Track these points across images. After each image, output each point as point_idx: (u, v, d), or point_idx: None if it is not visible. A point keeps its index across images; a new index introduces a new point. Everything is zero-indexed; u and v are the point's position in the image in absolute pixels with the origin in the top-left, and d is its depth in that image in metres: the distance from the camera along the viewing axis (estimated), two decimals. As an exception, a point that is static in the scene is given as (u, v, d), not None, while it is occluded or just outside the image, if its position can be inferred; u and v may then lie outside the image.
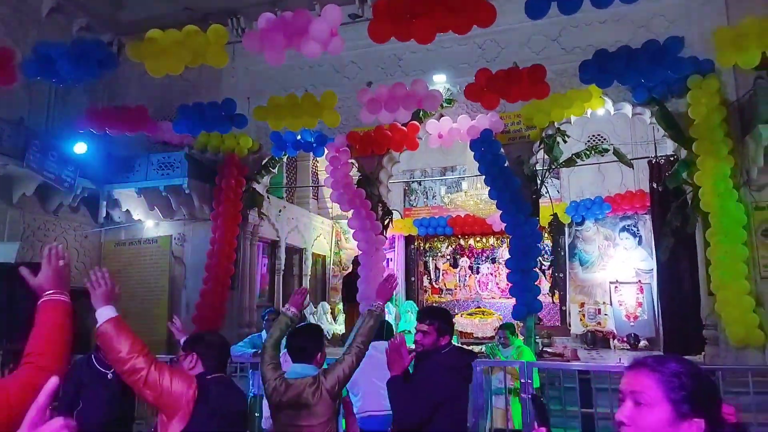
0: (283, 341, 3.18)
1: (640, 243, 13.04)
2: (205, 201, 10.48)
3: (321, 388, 2.77)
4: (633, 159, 10.34)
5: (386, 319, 6.56)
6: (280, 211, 12.43)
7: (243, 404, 2.58)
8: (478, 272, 15.23)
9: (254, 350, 6.11)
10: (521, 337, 8.16)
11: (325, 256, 15.47)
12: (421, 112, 8.96)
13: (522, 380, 5.39)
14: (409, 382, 2.90)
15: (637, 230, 13.10)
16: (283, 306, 3.87)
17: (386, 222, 9.79)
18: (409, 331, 10.26)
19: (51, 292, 1.81)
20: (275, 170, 11.06)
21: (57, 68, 5.73)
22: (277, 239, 12.48)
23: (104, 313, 2.28)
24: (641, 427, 1.20)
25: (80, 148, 9.65)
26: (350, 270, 12.18)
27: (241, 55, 8.74)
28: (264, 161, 10.65)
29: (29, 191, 9.50)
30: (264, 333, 6.29)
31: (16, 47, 7.51)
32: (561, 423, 5.29)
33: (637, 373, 1.25)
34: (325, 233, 15.45)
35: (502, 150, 8.83)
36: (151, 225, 11.21)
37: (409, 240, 15.24)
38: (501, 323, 9.29)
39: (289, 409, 2.77)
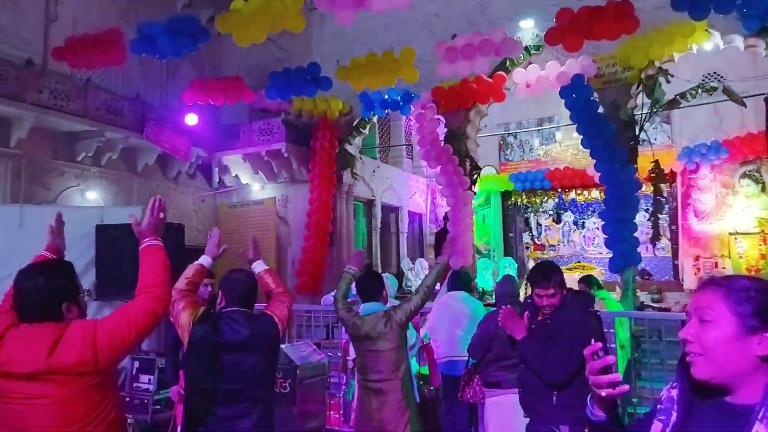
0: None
1: (763, 190, 11.80)
2: (303, 163, 11.09)
3: (392, 320, 3.31)
4: (756, 96, 9.29)
5: (467, 272, 6.69)
6: (374, 171, 12.78)
7: (245, 334, 2.66)
8: (583, 227, 14.66)
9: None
10: (615, 294, 7.89)
11: (421, 214, 15.71)
12: (507, 62, 8.71)
13: (605, 330, 5.29)
14: (547, 338, 2.96)
15: (760, 176, 11.84)
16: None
17: (474, 177, 9.74)
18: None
19: (151, 238, 2.16)
20: (366, 131, 11.35)
21: (158, 45, 6.36)
22: (372, 198, 12.89)
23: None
24: (705, 344, 1.14)
25: (191, 119, 10.57)
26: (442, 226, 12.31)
27: (330, 19, 8.99)
28: (355, 122, 10.97)
29: (151, 161, 10.66)
30: (354, 285, 6.70)
31: (127, 27, 8.34)
32: (661, 377, 5.16)
33: (704, 291, 1.20)
34: (420, 191, 15.64)
35: (595, 95, 8.37)
36: (258, 188, 12.09)
37: (505, 195, 14.98)
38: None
39: (366, 339, 3.34)
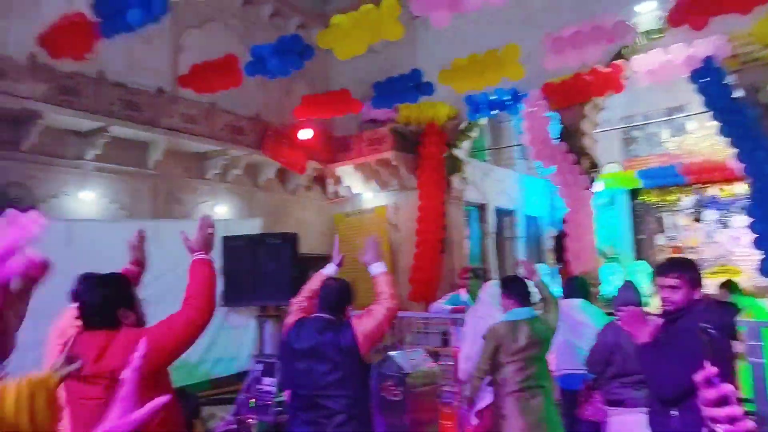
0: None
1: None
2: (411, 171, 11.12)
3: (550, 326, 3.67)
4: None
5: (584, 277, 6.23)
6: (485, 174, 12.47)
7: (315, 342, 2.73)
8: (728, 225, 13.12)
9: (453, 306, 6.42)
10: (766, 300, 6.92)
11: (537, 216, 15.03)
12: (624, 50, 8.04)
13: (750, 342, 4.64)
14: (661, 346, 2.61)
15: None
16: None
17: (593, 176, 9.11)
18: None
19: (200, 252, 2.26)
20: (474, 134, 11.12)
21: (268, 65, 6.72)
22: (485, 202, 12.57)
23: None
24: None
25: (306, 133, 11.06)
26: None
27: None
28: (462, 126, 10.80)
29: (270, 174, 11.31)
30: (462, 291, 6.54)
31: (245, 52, 8.93)
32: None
33: None
34: (537, 193, 14.98)
35: (730, 78, 7.46)
36: (369, 196, 12.32)
37: (633, 194, 13.85)
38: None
39: (533, 346, 3.54)
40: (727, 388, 1.03)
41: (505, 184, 13.63)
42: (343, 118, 11.07)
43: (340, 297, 2.88)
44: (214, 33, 10.81)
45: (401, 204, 11.74)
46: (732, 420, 1.01)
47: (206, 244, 2.31)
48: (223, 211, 10.57)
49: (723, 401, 1.02)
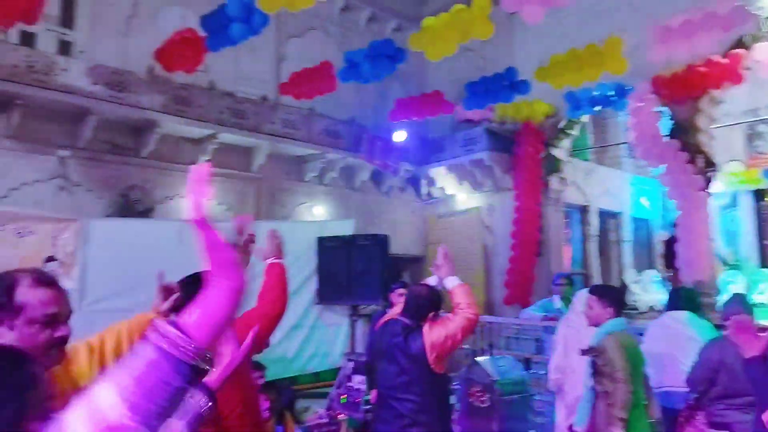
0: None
1: None
2: (507, 171, 10.84)
3: None
4: None
5: (692, 287, 5.73)
6: (587, 174, 11.86)
7: (387, 344, 2.83)
8: None
9: (544, 314, 6.16)
10: None
11: (648, 219, 14.04)
12: (742, 38, 7.28)
13: None
14: None
15: None
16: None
17: (709, 175, 8.35)
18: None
19: (272, 257, 2.44)
20: (574, 132, 10.61)
21: (361, 71, 6.86)
22: (586, 204, 11.95)
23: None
24: None
25: (400, 136, 11.17)
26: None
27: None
28: (561, 124, 10.35)
29: (365, 177, 11.55)
30: (555, 297, 6.26)
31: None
32: None
33: None
34: (647, 194, 14.00)
35: None
36: (463, 198, 12.19)
37: (758, 194, 12.53)
38: None
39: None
40: None
41: (610, 184, 12.87)
42: (437, 119, 11.03)
43: (421, 303, 2.91)
44: (314, 41, 11.23)
45: (496, 205, 11.49)
46: None
47: (277, 252, 2.49)
48: (320, 212, 10.95)
49: None
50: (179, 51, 7.03)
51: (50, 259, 5.61)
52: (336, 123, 10.93)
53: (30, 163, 7.99)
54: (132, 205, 8.62)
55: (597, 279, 11.68)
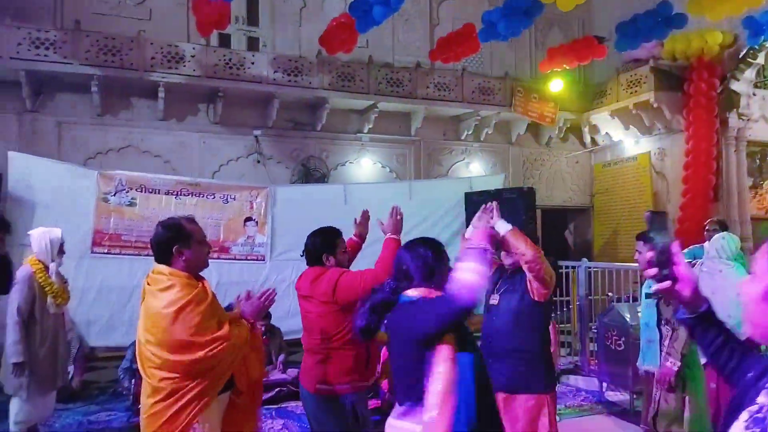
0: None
1: None
2: (678, 111, 10.06)
3: None
4: None
5: None
6: (781, 106, 10.37)
7: None
8: None
9: (689, 261, 6.01)
10: None
11: None
12: None
13: None
14: None
15: None
16: None
17: None
18: None
19: (390, 233, 3.06)
20: (759, 60, 9.39)
21: (498, 29, 7.11)
22: (780, 140, 10.49)
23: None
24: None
25: (556, 85, 11.00)
26: None
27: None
28: (741, 54, 9.25)
29: (522, 131, 11.66)
30: (706, 244, 6.02)
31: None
32: None
33: None
34: None
35: None
36: (631, 143, 11.59)
37: None
38: None
39: None
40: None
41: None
42: (601, 64, 10.58)
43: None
44: (466, 2, 11.47)
45: (667, 149, 10.75)
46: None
47: (396, 228, 3.08)
48: (476, 168, 11.42)
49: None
50: (337, 35, 8.01)
51: (248, 219, 7.12)
52: (488, 80, 11.17)
53: (233, 144, 9.84)
54: (311, 173, 10.10)
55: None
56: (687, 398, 3.30)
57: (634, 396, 5.37)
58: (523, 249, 2.79)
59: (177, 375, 2.15)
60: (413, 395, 1.86)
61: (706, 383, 3.41)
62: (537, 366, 2.98)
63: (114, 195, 6.64)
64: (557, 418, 5.19)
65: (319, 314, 2.91)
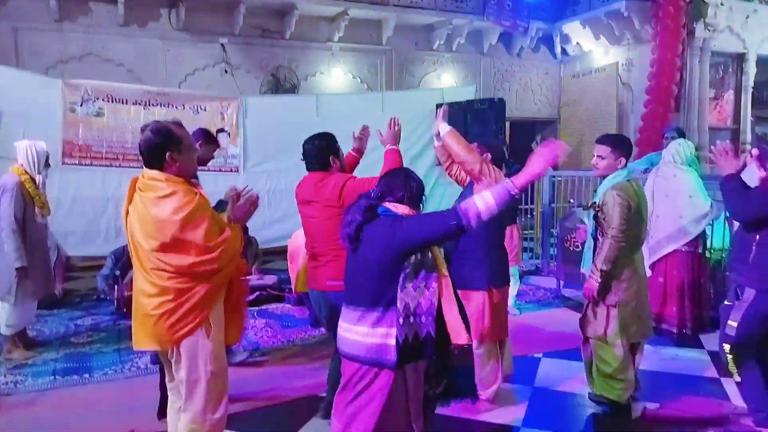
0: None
1: None
2: (647, 21, 10.10)
3: None
4: None
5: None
6: (747, 17, 10.46)
7: None
8: None
9: (646, 167, 6.37)
10: None
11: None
12: None
13: None
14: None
15: None
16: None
17: None
18: None
19: (390, 144, 3.08)
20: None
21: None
22: (744, 51, 10.67)
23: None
24: None
25: (530, -7, 10.82)
26: None
27: None
28: (713, -40, 9.21)
29: (494, 40, 11.54)
30: (664, 151, 6.34)
31: None
32: None
33: None
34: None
35: None
36: (600, 54, 11.65)
37: None
38: None
39: None
40: None
41: (779, 26, 11.21)
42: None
43: None
44: None
45: (635, 60, 10.87)
46: None
47: (394, 139, 3.11)
48: (448, 79, 11.38)
49: None
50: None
51: (220, 130, 7.11)
52: (462, -14, 10.89)
53: (198, 52, 9.52)
54: (281, 84, 9.93)
55: (748, 135, 10.83)
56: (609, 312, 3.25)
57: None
58: (457, 150, 3.10)
59: (186, 277, 2.23)
60: (378, 301, 2.05)
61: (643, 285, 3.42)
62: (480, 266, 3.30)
63: (81, 105, 6.52)
64: (518, 310, 5.72)
65: (324, 218, 2.96)
